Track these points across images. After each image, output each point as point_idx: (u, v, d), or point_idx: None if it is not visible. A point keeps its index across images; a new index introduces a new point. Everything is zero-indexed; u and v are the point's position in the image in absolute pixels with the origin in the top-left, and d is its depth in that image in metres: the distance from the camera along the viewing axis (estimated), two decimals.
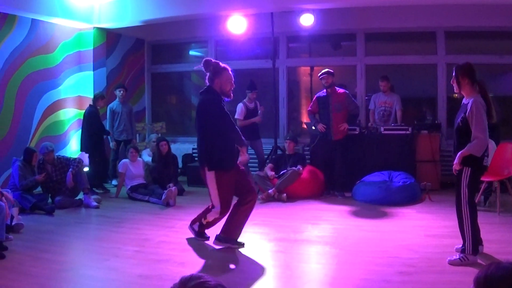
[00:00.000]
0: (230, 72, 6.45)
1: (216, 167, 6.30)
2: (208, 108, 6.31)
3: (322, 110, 10.20)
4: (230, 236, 6.60)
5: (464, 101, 5.81)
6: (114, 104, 11.69)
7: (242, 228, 6.68)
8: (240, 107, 11.19)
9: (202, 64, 6.45)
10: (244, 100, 11.24)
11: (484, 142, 5.53)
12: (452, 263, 5.67)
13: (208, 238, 6.95)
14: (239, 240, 6.66)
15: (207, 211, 6.74)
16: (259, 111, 11.18)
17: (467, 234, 5.68)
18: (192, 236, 7.06)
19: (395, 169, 9.86)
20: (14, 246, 6.68)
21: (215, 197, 6.39)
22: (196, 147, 12.15)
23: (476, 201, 8.31)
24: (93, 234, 7.67)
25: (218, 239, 6.62)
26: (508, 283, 1.99)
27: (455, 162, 5.68)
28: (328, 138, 10.12)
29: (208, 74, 6.43)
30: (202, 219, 6.86)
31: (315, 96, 10.45)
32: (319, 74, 10.17)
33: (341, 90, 10.22)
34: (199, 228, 6.99)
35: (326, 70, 10.08)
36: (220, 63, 6.46)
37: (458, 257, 5.69)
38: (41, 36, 11.12)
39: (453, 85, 5.80)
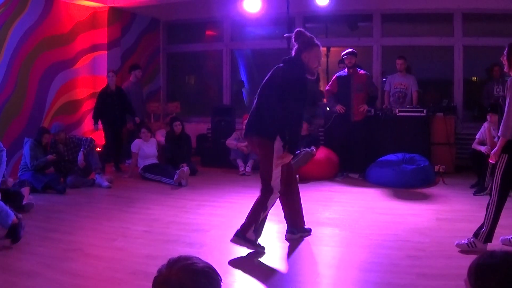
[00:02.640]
0: (321, 50, 6.03)
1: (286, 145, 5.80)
2: (296, 83, 5.81)
3: (341, 90, 10.10)
4: (298, 225, 6.39)
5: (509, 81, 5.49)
6: (130, 85, 11.70)
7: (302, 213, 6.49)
8: None
9: (293, 34, 6.03)
10: None
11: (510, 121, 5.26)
12: (459, 246, 5.54)
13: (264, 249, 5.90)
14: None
15: (260, 204, 5.88)
16: None
17: (487, 221, 5.47)
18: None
19: (409, 151, 9.75)
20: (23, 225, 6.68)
21: (276, 176, 5.83)
22: (209, 127, 12.30)
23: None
24: (103, 214, 7.65)
25: (290, 232, 6.29)
26: (499, 272, 1.95)
27: (492, 152, 5.50)
28: (346, 118, 10.04)
29: (296, 45, 5.98)
30: (262, 215, 5.88)
31: (335, 75, 10.34)
32: (342, 53, 10.10)
33: (362, 71, 10.18)
34: (256, 232, 5.86)
35: (350, 50, 10.01)
36: (314, 38, 6.00)
37: (466, 241, 5.53)
38: (55, 15, 11.08)
39: (503, 62, 5.51)
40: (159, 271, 1.92)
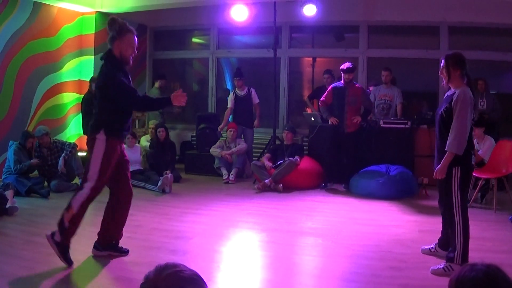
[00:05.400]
0: (135, 37, 5.64)
1: (110, 132, 5.45)
2: (107, 84, 5.46)
3: (336, 102, 10.02)
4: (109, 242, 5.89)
5: (449, 92, 5.37)
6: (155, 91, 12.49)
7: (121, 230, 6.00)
8: (230, 95, 11.67)
9: (107, 22, 5.61)
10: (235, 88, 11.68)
11: (463, 135, 5.11)
12: (434, 272, 5.25)
13: (70, 264, 5.49)
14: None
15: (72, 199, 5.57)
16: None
17: (458, 241, 5.21)
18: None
19: (393, 162, 9.80)
20: (7, 229, 6.72)
21: (96, 166, 5.45)
22: (194, 135, 12.34)
23: (472, 198, 8.32)
24: (86, 219, 7.51)
25: (96, 247, 5.86)
26: (480, 285, 1.96)
27: (437, 168, 5.33)
28: (339, 130, 9.98)
29: (110, 34, 5.56)
30: (64, 217, 5.51)
31: (331, 86, 10.20)
32: (341, 67, 9.85)
33: (358, 85, 10.17)
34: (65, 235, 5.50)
35: (351, 66, 9.80)
36: (127, 24, 5.64)
37: (442, 266, 5.29)
38: (42, 19, 11.07)
39: (442, 76, 5.35)
40: (146, 278, 1.93)
